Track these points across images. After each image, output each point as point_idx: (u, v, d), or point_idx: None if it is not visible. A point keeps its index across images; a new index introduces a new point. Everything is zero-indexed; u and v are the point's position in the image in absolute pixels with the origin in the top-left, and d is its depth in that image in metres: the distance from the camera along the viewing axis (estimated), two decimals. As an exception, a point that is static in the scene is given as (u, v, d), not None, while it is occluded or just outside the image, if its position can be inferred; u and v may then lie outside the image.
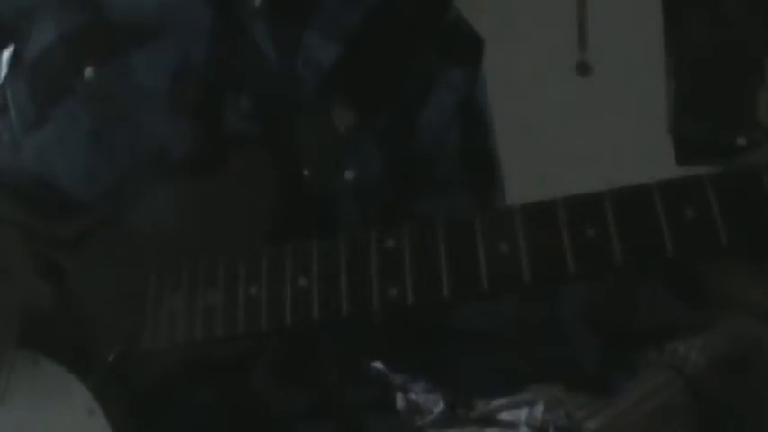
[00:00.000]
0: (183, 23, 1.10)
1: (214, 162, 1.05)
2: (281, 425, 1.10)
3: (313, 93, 1.10)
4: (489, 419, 2.29)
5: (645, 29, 3.03)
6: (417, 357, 1.13)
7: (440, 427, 2.25)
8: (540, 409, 2.27)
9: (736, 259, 0.86)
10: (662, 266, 0.89)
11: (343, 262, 0.93)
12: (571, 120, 3.02)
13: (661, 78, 3.04)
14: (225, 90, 1.10)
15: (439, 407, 2.29)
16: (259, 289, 0.96)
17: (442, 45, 1.16)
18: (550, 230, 0.86)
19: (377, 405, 1.17)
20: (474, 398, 2.01)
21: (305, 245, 0.95)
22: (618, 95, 3.00)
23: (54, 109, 1.10)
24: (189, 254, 1.00)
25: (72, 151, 1.10)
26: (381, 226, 0.94)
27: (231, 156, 1.05)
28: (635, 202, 0.84)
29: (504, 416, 2.29)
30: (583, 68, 3.10)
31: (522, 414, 2.27)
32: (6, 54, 1.14)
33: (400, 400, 2.20)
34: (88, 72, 1.09)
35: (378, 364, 1.19)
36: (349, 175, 1.10)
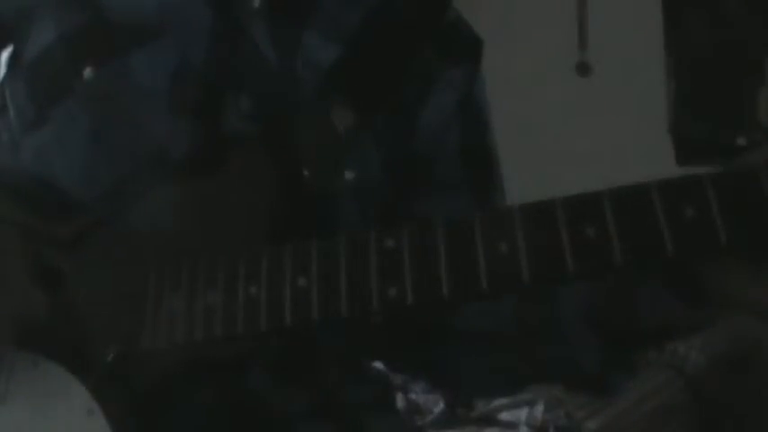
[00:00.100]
0: (182, 23, 1.10)
1: (213, 162, 1.05)
2: (281, 425, 1.09)
3: (312, 93, 1.10)
4: (489, 419, 2.29)
5: (645, 29, 3.03)
6: (417, 357, 1.13)
7: (440, 427, 2.25)
8: (540, 409, 2.27)
9: (736, 259, 0.86)
10: (662, 266, 0.89)
11: (342, 262, 0.93)
12: (571, 120, 3.02)
13: (661, 78, 3.04)
14: (224, 90, 1.10)
15: (439, 407, 2.29)
16: (258, 289, 0.95)
17: (441, 45, 1.16)
18: (550, 230, 0.86)
19: (377, 405, 1.17)
20: (474, 398, 2.01)
21: (304, 245, 0.95)
22: (618, 95, 3.00)
23: (53, 109, 1.10)
24: (188, 254, 1.00)
25: (71, 151, 1.10)
26: (381, 226, 0.94)
27: (231, 156, 1.05)
28: (634, 201, 0.84)
29: (504, 416, 2.29)
30: (583, 68, 3.10)
31: (522, 414, 2.27)
32: (5, 54, 1.14)
33: (400, 400, 2.20)
34: (87, 72, 1.09)
35: (378, 364, 1.19)
36: (349, 175, 1.10)
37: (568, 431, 2.24)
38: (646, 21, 3.03)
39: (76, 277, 1.04)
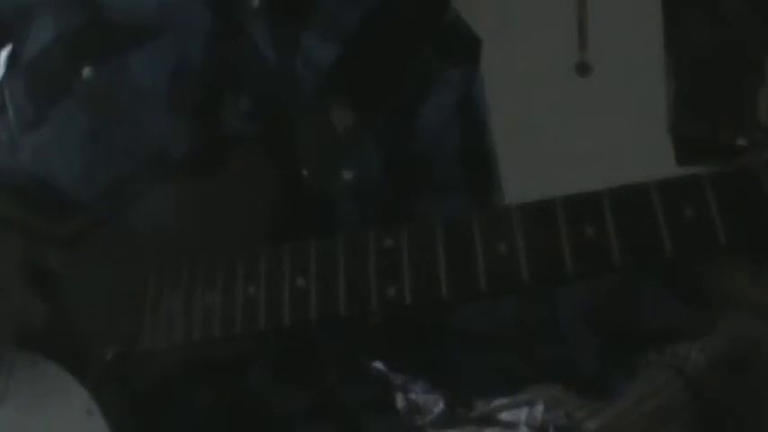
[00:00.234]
0: (181, 23, 1.10)
1: (213, 162, 1.05)
2: (281, 425, 1.09)
3: (312, 93, 1.10)
4: (489, 419, 2.29)
5: (645, 29, 3.03)
6: (417, 357, 1.13)
7: (440, 427, 2.25)
8: (540, 409, 2.27)
9: (736, 259, 0.86)
10: (661, 266, 0.89)
11: (341, 262, 0.93)
12: (571, 120, 3.02)
13: (661, 78, 3.04)
14: (224, 90, 1.09)
15: (439, 407, 2.29)
16: (257, 289, 0.95)
17: (440, 45, 1.16)
18: (549, 230, 0.86)
19: (377, 405, 1.17)
20: (474, 398, 2.01)
21: (303, 245, 0.95)
22: (618, 95, 3.00)
23: (52, 109, 1.10)
24: (187, 254, 1.00)
25: (70, 151, 1.10)
26: (380, 226, 0.94)
27: (230, 156, 1.05)
28: (633, 201, 0.84)
29: (504, 416, 2.29)
30: (583, 68, 3.10)
31: (522, 414, 2.27)
32: (4, 53, 1.14)
33: (400, 400, 2.20)
34: (86, 72, 1.09)
35: (378, 364, 1.19)
36: (347, 175, 1.10)
37: (568, 431, 2.24)
38: (646, 21, 3.03)
39: (75, 277, 1.04)
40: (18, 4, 1.14)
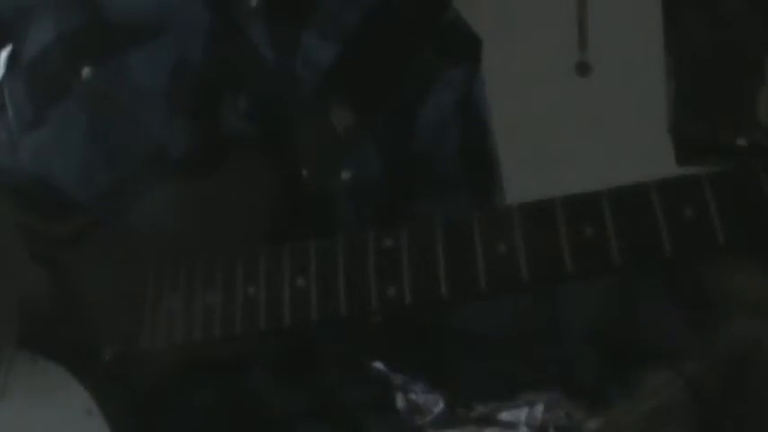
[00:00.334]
0: (180, 23, 1.10)
1: (212, 162, 1.05)
2: (281, 425, 1.09)
3: (311, 93, 1.10)
4: (489, 419, 2.29)
5: (645, 29, 3.03)
6: (417, 357, 1.13)
7: (440, 427, 2.25)
8: (540, 409, 2.27)
9: (736, 259, 0.86)
10: (663, 277, 0.89)
11: (341, 262, 0.93)
12: (571, 120, 3.02)
13: (661, 78, 3.04)
14: (223, 90, 1.09)
15: (439, 407, 2.29)
16: (257, 289, 0.95)
17: (440, 45, 1.16)
18: (548, 230, 0.86)
19: (377, 405, 1.17)
20: (473, 400, 2.01)
21: (303, 245, 0.95)
22: (618, 95, 3.00)
23: (52, 109, 1.10)
24: (187, 254, 1.00)
25: (69, 151, 1.10)
26: (379, 226, 0.94)
27: (229, 156, 1.05)
28: (633, 201, 0.84)
29: (504, 416, 2.29)
30: (583, 68, 3.10)
31: (522, 414, 2.27)
32: (4, 54, 1.14)
33: (400, 400, 2.20)
34: (86, 71, 1.09)
35: (378, 364, 1.19)
36: (345, 175, 1.09)
37: (568, 431, 2.24)
38: (646, 21, 3.03)
39: (75, 277, 1.03)
40: (18, 4, 1.14)
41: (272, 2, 1.11)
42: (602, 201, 0.84)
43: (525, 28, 3.02)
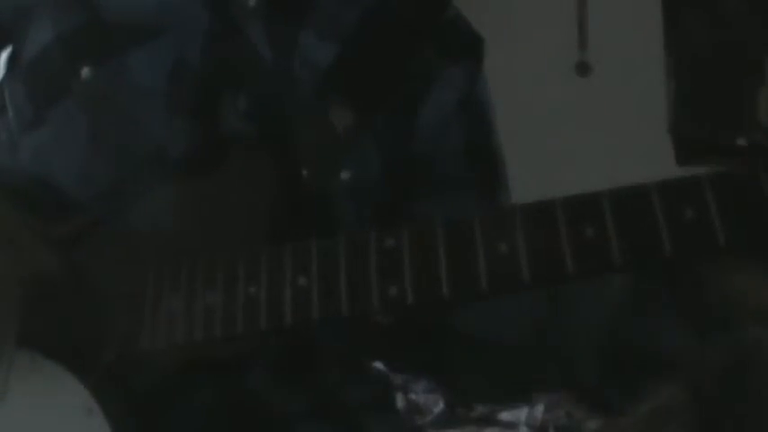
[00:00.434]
0: (179, 23, 1.10)
1: (211, 162, 1.04)
2: (281, 425, 1.09)
3: (310, 92, 1.10)
4: (489, 419, 2.29)
5: (645, 29, 3.03)
6: (419, 357, 1.13)
7: (440, 427, 2.25)
8: (540, 409, 2.27)
9: (737, 261, 0.86)
10: (662, 268, 0.89)
11: (342, 261, 0.93)
12: (571, 120, 3.02)
13: (661, 78, 3.04)
14: (222, 90, 1.09)
15: (439, 407, 2.29)
16: (258, 289, 0.95)
17: (440, 43, 1.16)
18: (549, 230, 0.86)
19: (377, 405, 1.17)
20: (474, 401, 2.01)
21: (304, 244, 0.95)
22: (618, 95, 3.00)
23: (51, 109, 1.10)
24: (187, 254, 1.00)
25: (69, 151, 1.10)
26: (380, 226, 0.94)
27: (229, 156, 1.05)
28: (633, 202, 0.84)
29: (504, 416, 2.29)
30: (583, 68, 3.10)
31: (522, 414, 2.28)
32: (4, 54, 1.14)
33: (400, 400, 2.21)
34: (85, 72, 1.09)
35: (378, 364, 1.19)
36: (345, 175, 1.09)
37: (568, 431, 2.24)
38: (646, 21, 3.03)
39: (75, 277, 1.03)
40: (17, 4, 1.14)
41: (271, 2, 1.11)
42: (603, 201, 0.85)
43: (525, 28, 3.02)
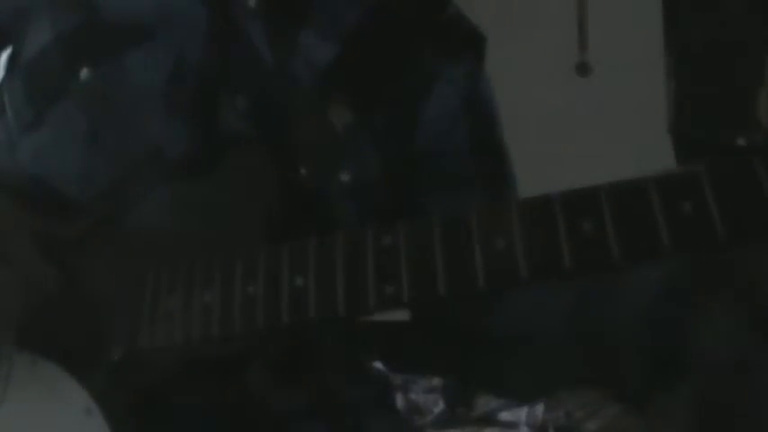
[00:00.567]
0: (178, 24, 1.10)
1: (211, 162, 1.04)
2: (281, 425, 1.09)
3: (310, 92, 1.10)
4: (489, 419, 2.29)
5: (645, 29, 3.03)
6: (444, 359, 1.13)
7: (440, 427, 2.25)
8: (540, 409, 2.27)
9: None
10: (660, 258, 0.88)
11: (339, 259, 0.92)
12: (571, 120, 3.02)
13: (661, 78, 3.04)
14: (221, 90, 1.09)
15: (439, 407, 2.29)
16: (256, 288, 0.95)
17: (441, 42, 1.16)
18: (546, 225, 0.85)
19: (377, 405, 1.17)
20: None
21: (301, 243, 0.95)
22: (618, 95, 3.00)
23: (50, 110, 1.10)
24: (186, 253, 1.00)
25: (68, 152, 1.10)
26: (378, 224, 0.94)
27: (228, 156, 1.05)
28: (631, 195, 0.84)
29: (504, 416, 2.29)
30: (583, 68, 3.10)
31: (522, 414, 2.28)
32: (4, 55, 1.14)
33: (400, 400, 2.21)
34: (84, 72, 1.09)
35: (378, 364, 1.19)
36: (345, 176, 1.09)
37: (568, 431, 2.24)
38: (646, 21, 3.03)
39: (75, 277, 1.03)
40: (17, 5, 1.14)
41: (271, 2, 1.11)
42: (601, 195, 0.84)
43: (525, 28, 3.02)
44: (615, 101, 2.99)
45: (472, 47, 1.19)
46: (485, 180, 1.17)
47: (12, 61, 1.14)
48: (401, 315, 1.07)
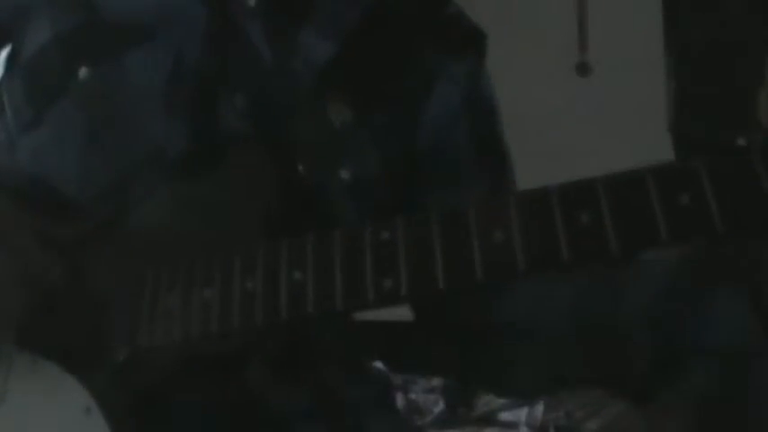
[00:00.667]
0: (177, 23, 1.10)
1: (210, 161, 1.04)
2: (281, 424, 1.09)
3: (309, 90, 1.10)
4: (489, 419, 2.29)
5: (645, 29, 3.02)
6: (445, 357, 1.13)
7: (440, 427, 2.25)
8: (540, 409, 2.27)
9: None
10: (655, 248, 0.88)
11: (337, 254, 0.92)
12: (571, 120, 3.02)
13: (661, 78, 3.04)
14: (220, 89, 1.09)
15: (439, 407, 2.29)
16: (255, 284, 0.95)
17: (442, 40, 1.16)
18: (544, 218, 0.85)
19: (377, 405, 1.17)
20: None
21: (299, 239, 0.94)
22: (618, 95, 3.00)
23: (49, 109, 1.10)
24: (186, 252, 1.00)
25: (68, 151, 1.09)
26: (377, 219, 0.94)
27: (227, 154, 1.05)
28: (628, 187, 0.84)
29: (504, 416, 2.29)
30: (583, 68, 3.10)
31: (522, 414, 2.28)
32: (3, 54, 1.14)
33: (400, 400, 2.21)
34: (83, 72, 1.09)
35: (378, 364, 1.19)
36: (344, 174, 1.09)
37: (568, 431, 2.24)
38: (646, 21, 3.02)
39: (75, 277, 1.03)
40: (16, 4, 1.14)
41: (270, 1, 1.11)
42: (598, 187, 0.84)
43: (526, 28, 3.02)
44: (615, 100, 2.99)
45: (473, 44, 1.20)
46: (485, 178, 1.17)
47: (11, 60, 1.14)
48: (401, 315, 1.07)
